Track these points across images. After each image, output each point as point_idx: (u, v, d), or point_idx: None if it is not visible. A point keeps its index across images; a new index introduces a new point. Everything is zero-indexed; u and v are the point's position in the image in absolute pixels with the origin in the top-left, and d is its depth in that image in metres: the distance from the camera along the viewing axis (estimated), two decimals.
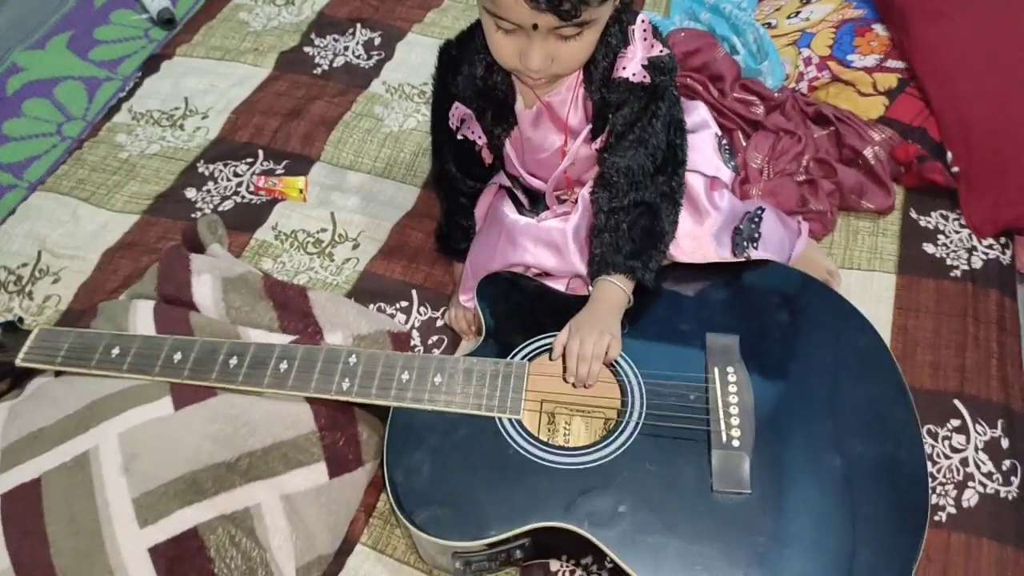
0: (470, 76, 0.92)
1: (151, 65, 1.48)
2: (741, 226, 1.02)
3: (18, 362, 0.93)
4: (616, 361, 0.91)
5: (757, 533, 0.80)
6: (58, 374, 0.95)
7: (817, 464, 0.84)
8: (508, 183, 1.04)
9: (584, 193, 0.99)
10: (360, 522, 0.94)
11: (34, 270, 1.17)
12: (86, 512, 0.80)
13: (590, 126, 0.93)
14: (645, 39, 0.88)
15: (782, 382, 0.90)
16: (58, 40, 1.73)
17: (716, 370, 0.89)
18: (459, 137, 0.97)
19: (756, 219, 1.04)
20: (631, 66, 0.88)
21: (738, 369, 0.89)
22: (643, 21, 0.88)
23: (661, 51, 0.89)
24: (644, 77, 0.88)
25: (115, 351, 0.92)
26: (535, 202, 1.07)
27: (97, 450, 0.84)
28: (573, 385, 0.90)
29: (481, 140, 0.96)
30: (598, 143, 0.94)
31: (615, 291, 0.92)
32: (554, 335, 0.92)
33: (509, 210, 1.02)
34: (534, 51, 0.80)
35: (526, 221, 1.01)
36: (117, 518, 0.80)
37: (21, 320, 0.99)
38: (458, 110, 0.94)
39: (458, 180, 1.04)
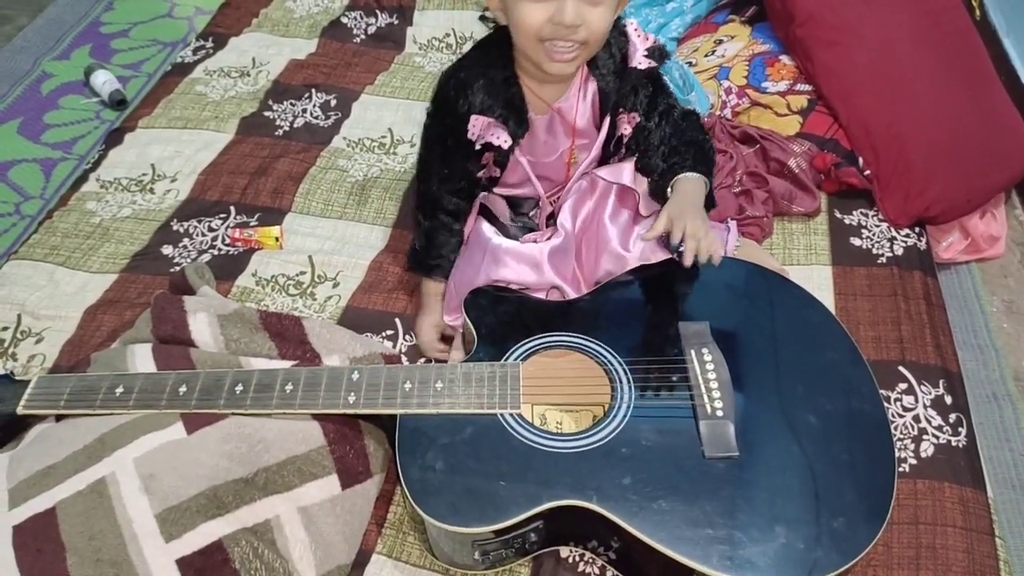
0: (489, 87, 1.03)
1: (114, 138, 1.52)
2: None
3: (20, 410, 0.93)
4: (602, 354, 0.99)
5: (750, 488, 0.87)
6: (59, 419, 0.96)
7: (793, 423, 0.92)
8: (487, 203, 1.13)
9: (562, 220, 1.09)
10: (373, 533, 0.97)
11: (16, 332, 1.16)
12: (108, 531, 0.81)
13: (608, 119, 1.08)
14: (640, 35, 1.06)
15: (752, 356, 0.99)
16: (7, 127, 1.76)
17: (692, 352, 0.98)
18: (478, 147, 1.06)
19: None
20: (637, 57, 1.06)
21: (712, 349, 0.98)
22: (632, 23, 1.06)
23: (655, 41, 1.06)
24: (650, 64, 1.06)
25: (119, 390, 0.93)
26: (517, 211, 1.17)
27: (114, 475, 0.85)
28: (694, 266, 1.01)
29: (507, 144, 1.05)
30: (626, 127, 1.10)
31: (696, 183, 1.06)
32: (541, 337, 1.00)
33: (491, 233, 1.11)
34: (568, 4, 0.91)
35: (508, 243, 1.10)
36: (142, 534, 0.81)
37: (13, 373, 0.99)
38: (479, 121, 1.04)
39: (442, 199, 1.13)
